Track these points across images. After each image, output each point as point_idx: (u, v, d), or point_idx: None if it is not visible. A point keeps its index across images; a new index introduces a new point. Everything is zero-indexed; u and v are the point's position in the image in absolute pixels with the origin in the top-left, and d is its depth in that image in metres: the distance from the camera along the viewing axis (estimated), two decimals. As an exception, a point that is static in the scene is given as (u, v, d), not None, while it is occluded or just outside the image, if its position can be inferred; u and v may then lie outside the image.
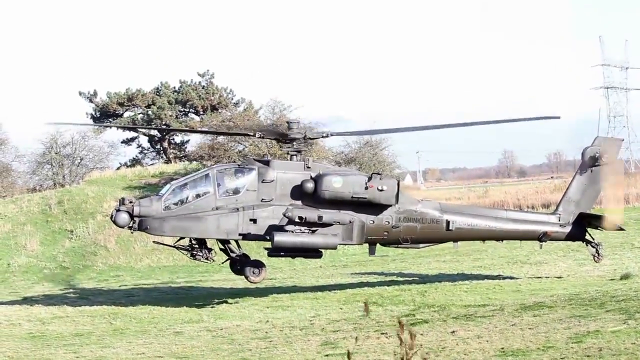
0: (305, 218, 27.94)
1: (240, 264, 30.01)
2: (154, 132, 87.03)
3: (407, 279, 34.81)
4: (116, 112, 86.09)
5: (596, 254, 32.07)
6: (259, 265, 29.32)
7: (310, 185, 28.50)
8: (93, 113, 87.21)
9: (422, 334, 20.28)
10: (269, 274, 41.92)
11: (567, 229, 32.02)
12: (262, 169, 28.83)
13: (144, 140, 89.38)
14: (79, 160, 77.51)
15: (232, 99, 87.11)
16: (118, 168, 78.65)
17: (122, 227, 28.56)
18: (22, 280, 44.63)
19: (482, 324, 21.18)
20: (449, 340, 19.08)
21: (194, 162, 64.52)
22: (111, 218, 28.54)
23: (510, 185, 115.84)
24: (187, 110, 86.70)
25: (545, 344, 17.64)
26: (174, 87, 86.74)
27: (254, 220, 28.27)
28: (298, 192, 28.68)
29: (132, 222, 28.04)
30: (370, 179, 28.76)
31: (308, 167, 29.10)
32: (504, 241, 33.75)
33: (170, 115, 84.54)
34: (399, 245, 30.67)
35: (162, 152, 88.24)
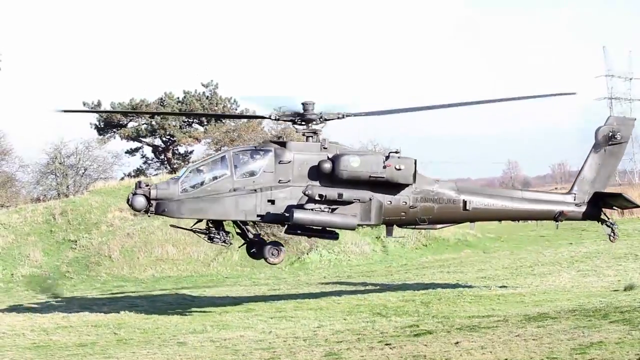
0: (326, 196, 27.96)
1: (258, 245, 29.96)
2: (158, 142, 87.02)
3: (410, 289, 34.77)
4: (120, 122, 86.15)
5: (612, 234, 32.04)
6: (278, 245, 29.25)
7: (327, 166, 28.44)
8: (97, 123, 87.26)
9: (425, 345, 20.30)
10: (273, 285, 41.94)
11: (583, 209, 31.98)
12: (279, 150, 28.80)
13: (147, 151, 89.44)
14: (83, 171, 77.50)
15: (236, 109, 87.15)
16: (122, 178, 78.63)
17: (139, 210, 28.54)
18: (26, 291, 44.63)
19: (486, 334, 21.18)
20: (452, 351, 19.10)
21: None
22: (128, 202, 28.38)
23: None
24: (191, 120, 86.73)
25: (549, 355, 17.66)
26: (178, 98, 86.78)
27: (272, 201, 28.29)
28: (315, 173, 28.64)
29: (149, 206, 28.01)
30: (387, 158, 28.71)
31: (325, 148, 29.03)
32: (520, 221, 33.44)
33: (174, 126, 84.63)
34: (417, 226, 30.72)
35: (166, 162, 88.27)
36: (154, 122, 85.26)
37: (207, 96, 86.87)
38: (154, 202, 27.98)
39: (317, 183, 28.60)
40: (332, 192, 28.09)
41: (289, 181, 28.56)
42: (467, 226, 56.46)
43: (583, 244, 52.83)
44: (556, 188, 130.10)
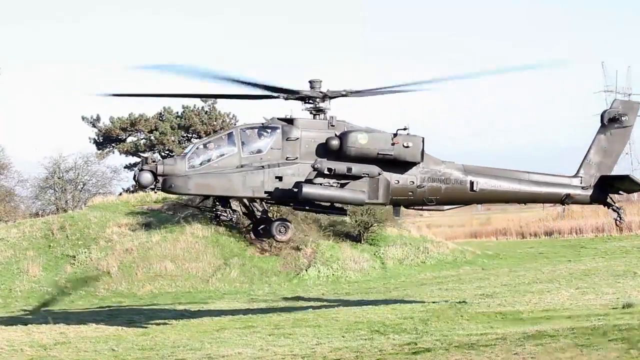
0: (335, 169, 27.85)
1: (265, 223, 29.88)
2: (157, 157, 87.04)
3: (409, 306, 34.74)
4: (119, 137, 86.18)
5: (618, 218, 32.04)
6: (285, 223, 29.13)
7: (335, 143, 28.39)
8: (96, 138, 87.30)
9: (424, 363, 20.27)
10: (271, 301, 41.91)
11: (589, 192, 31.92)
12: (286, 127, 28.75)
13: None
14: (82, 186, 77.47)
15: (235, 124, 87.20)
16: (121, 193, 78.57)
17: (146, 187, 28.49)
18: (24, 306, 44.57)
19: (484, 352, 21.16)
20: (451, 370, 19.07)
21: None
22: (134, 178, 28.30)
23: (514, 212, 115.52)
24: (190, 135, 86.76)
25: (548, 373, 17.63)
26: (177, 112, 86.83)
27: (280, 178, 28.22)
28: (323, 150, 28.55)
29: (155, 182, 27.90)
30: (395, 135, 28.64)
31: (332, 125, 28.97)
32: (527, 204, 33.35)
33: (173, 141, 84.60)
34: (424, 207, 30.69)
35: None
36: (152, 137, 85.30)
37: (206, 111, 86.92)
38: (160, 178, 27.79)
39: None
40: (341, 166, 27.92)
41: (296, 158, 28.47)
42: (466, 242, 56.52)
43: (582, 261, 52.85)
44: (555, 205, 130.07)
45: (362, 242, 57.80)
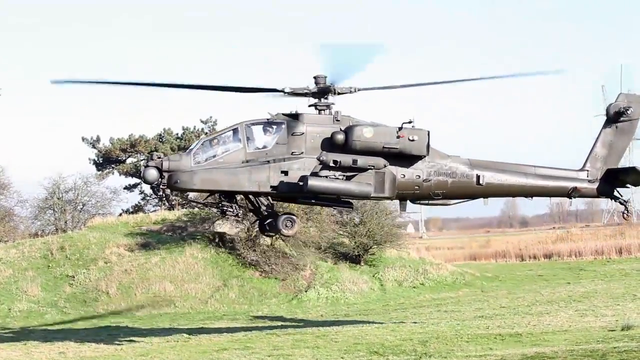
0: (340, 162, 27.90)
1: (271, 217, 29.83)
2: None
3: (408, 328, 34.72)
4: (119, 158, 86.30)
5: (625, 211, 32.13)
6: (291, 217, 29.18)
7: (340, 137, 28.42)
8: (96, 159, 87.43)
9: (423, 384, 20.28)
10: (271, 322, 41.86)
11: (596, 185, 31.97)
12: (292, 122, 28.80)
13: (146, 187, 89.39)
14: (81, 206, 77.43)
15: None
16: (120, 214, 78.52)
17: (151, 183, 28.47)
18: (23, 326, 44.50)
19: (484, 374, 21.16)
20: (450, 391, 19.07)
21: (197, 209, 64.53)
22: (140, 175, 28.37)
23: (513, 235, 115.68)
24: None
25: (547, 395, 17.64)
26: (177, 134, 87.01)
27: (285, 172, 28.26)
28: (328, 145, 28.57)
29: (160, 178, 27.93)
30: (400, 129, 28.64)
31: (337, 120, 29.00)
32: (533, 198, 32.74)
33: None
34: (430, 202, 30.66)
35: (164, 198, 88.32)
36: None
37: (206, 132, 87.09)
38: (165, 174, 27.86)
39: None
40: (346, 158, 27.98)
41: (301, 153, 28.53)
42: (465, 265, 56.44)
43: (581, 283, 52.86)
44: (554, 227, 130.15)
45: (361, 263, 57.81)
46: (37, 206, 75.91)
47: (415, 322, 37.11)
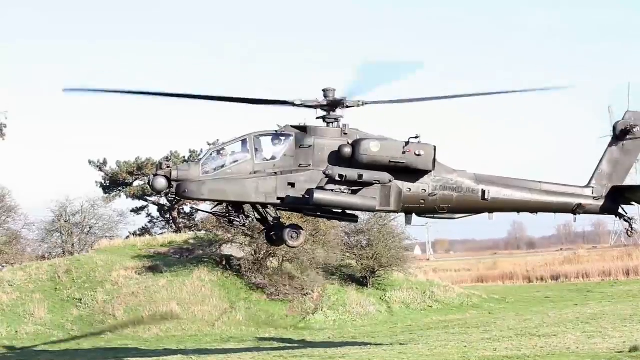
0: (346, 176, 27.93)
1: (277, 229, 29.85)
2: (164, 201, 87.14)
3: (415, 350, 34.66)
4: (126, 180, 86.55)
5: (629, 229, 31.93)
6: (297, 228, 29.25)
7: (348, 150, 28.42)
8: (102, 182, 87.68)
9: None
10: (278, 345, 41.81)
11: (601, 202, 31.82)
12: (300, 135, 28.84)
13: (153, 210, 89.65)
14: (89, 229, 77.59)
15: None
16: (127, 237, 78.67)
17: (160, 192, 28.64)
18: (30, 348, 44.51)
19: (491, 396, 21.13)
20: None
21: (203, 232, 64.63)
22: (148, 183, 28.43)
23: (520, 257, 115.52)
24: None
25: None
26: (184, 157, 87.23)
27: (292, 184, 28.29)
28: (335, 158, 28.56)
29: (169, 187, 27.95)
30: (407, 143, 28.65)
31: (345, 134, 29.00)
32: (538, 213, 32.47)
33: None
34: (435, 215, 30.63)
35: (171, 221, 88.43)
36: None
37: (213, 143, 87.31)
38: (174, 183, 27.90)
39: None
40: (352, 173, 28.04)
41: (309, 165, 28.55)
42: (472, 287, 56.37)
43: (588, 305, 52.74)
44: (561, 249, 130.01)
45: (369, 286, 57.76)
46: (44, 229, 76.09)
47: (422, 345, 37.04)
